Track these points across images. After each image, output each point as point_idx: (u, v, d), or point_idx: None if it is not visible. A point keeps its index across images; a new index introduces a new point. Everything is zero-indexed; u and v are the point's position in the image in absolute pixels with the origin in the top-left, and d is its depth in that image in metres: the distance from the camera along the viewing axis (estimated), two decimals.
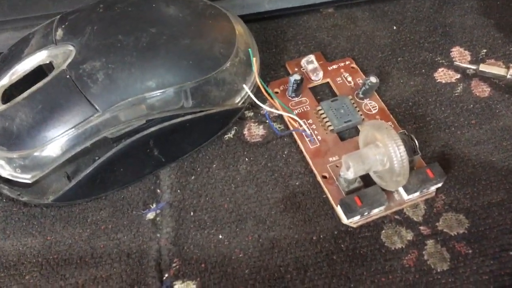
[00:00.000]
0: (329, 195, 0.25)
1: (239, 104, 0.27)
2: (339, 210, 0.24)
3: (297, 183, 0.26)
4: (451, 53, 0.31)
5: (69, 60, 0.24)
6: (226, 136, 0.28)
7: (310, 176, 0.26)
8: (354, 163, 0.24)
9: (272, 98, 0.27)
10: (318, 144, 0.27)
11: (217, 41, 0.26)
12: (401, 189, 0.25)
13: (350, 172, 0.24)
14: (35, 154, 0.23)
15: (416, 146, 0.25)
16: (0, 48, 0.28)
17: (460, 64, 0.30)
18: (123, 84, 0.24)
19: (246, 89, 0.26)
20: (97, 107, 0.23)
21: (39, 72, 0.24)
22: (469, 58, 0.31)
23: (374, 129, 0.24)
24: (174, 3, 0.26)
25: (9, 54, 0.26)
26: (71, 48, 0.24)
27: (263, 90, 0.27)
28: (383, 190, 0.24)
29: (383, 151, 0.23)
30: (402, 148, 0.23)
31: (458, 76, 0.30)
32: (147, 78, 0.24)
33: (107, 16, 0.25)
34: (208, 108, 0.25)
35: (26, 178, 0.23)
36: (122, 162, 0.25)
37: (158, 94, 0.24)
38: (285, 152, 0.27)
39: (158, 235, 0.24)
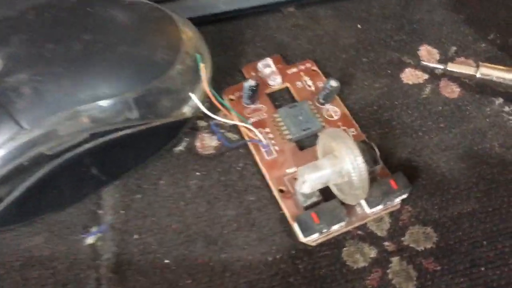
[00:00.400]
0: (286, 211, 0.23)
1: (189, 113, 0.25)
2: (296, 227, 0.22)
3: (252, 199, 0.24)
4: (418, 52, 0.30)
5: None
6: (176, 148, 0.26)
7: (266, 190, 0.24)
8: (310, 176, 0.22)
9: (224, 107, 0.25)
10: (276, 154, 0.25)
11: (159, 46, 0.24)
12: (363, 202, 0.23)
13: (305, 187, 0.22)
14: None
15: (377, 155, 0.23)
16: None
17: (428, 63, 0.28)
18: (52, 98, 0.21)
19: (194, 98, 0.24)
20: (23, 124, 0.21)
21: None
22: (438, 57, 0.29)
23: (330, 139, 0.22)
24: (112, 7, 0.24)
25: None
26: None
27: (213, 99, 0.25)
28: (343, 204, 0.22)
29: (340, 163, 0.21)
30: (360, 159, 0.21)
31: (426, 76, 0.29)
32: (80, 89, 0.22)
33: (38, 23, 0.23)
34: (154, 119, 0.23)
35: None
36: (58, 181, 0.22)
37: (96, 106, 0.22)
38: (240, 165, 0.25)
39: (98, 262, 0.22)
